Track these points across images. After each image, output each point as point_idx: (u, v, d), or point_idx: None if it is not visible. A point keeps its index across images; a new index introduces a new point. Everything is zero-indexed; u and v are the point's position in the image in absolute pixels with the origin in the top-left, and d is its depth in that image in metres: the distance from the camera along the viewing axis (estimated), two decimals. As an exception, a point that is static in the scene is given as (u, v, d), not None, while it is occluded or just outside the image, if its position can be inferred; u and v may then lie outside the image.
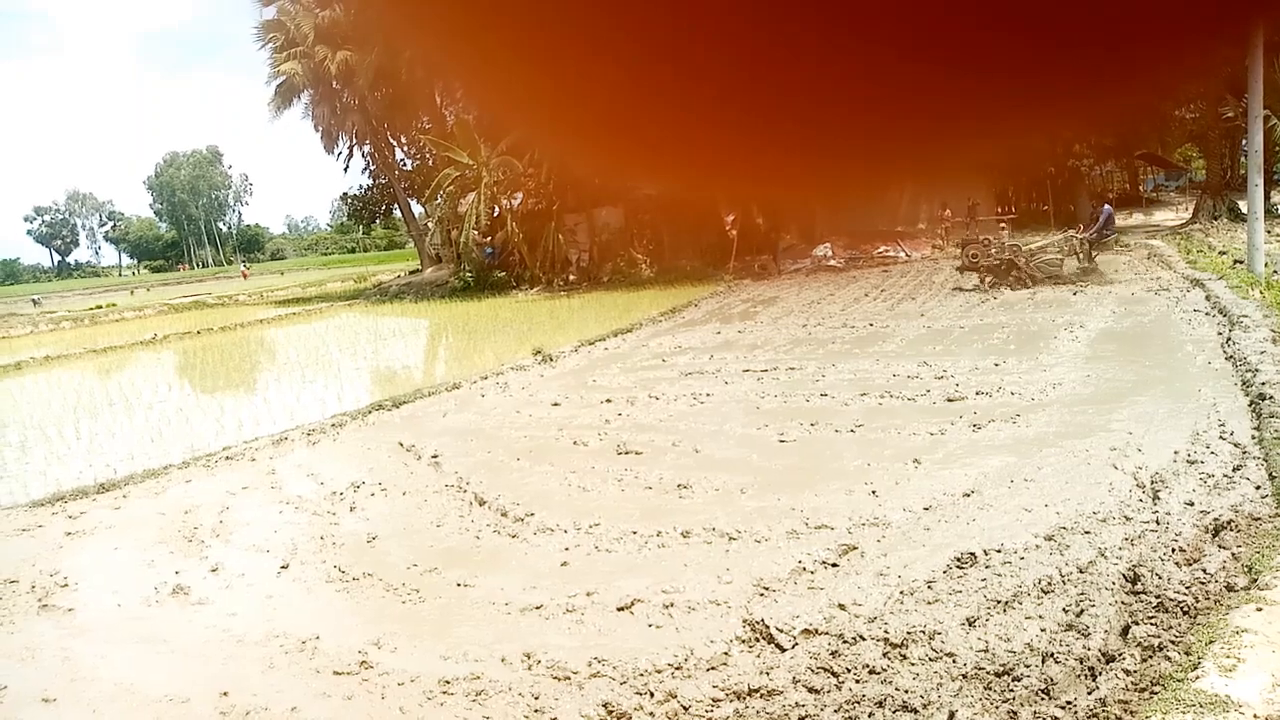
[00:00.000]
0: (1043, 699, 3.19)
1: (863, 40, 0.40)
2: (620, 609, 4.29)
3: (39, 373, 18.07)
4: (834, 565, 4.52)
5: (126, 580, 5.42)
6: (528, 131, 0.52)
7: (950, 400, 7.63)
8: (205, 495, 7.10)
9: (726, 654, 3.76)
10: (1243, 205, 17.39)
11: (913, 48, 0.40)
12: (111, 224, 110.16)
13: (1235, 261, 14.17)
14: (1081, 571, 4.09)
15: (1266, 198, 13.03)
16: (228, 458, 8.24)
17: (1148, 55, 0.40)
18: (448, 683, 3.77)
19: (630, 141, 0.48)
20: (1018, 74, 0.41)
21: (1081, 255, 15.10)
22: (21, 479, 8.52)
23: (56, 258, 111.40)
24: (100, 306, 36.97)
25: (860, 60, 0.41)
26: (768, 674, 3.57)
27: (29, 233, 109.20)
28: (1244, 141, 16.43)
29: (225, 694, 3.87)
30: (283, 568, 5.38)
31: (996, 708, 3.18)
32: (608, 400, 9.19)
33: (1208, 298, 11.20)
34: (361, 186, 42.35)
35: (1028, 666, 3.38)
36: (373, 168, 38.65)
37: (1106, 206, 15.54)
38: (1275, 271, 12.42)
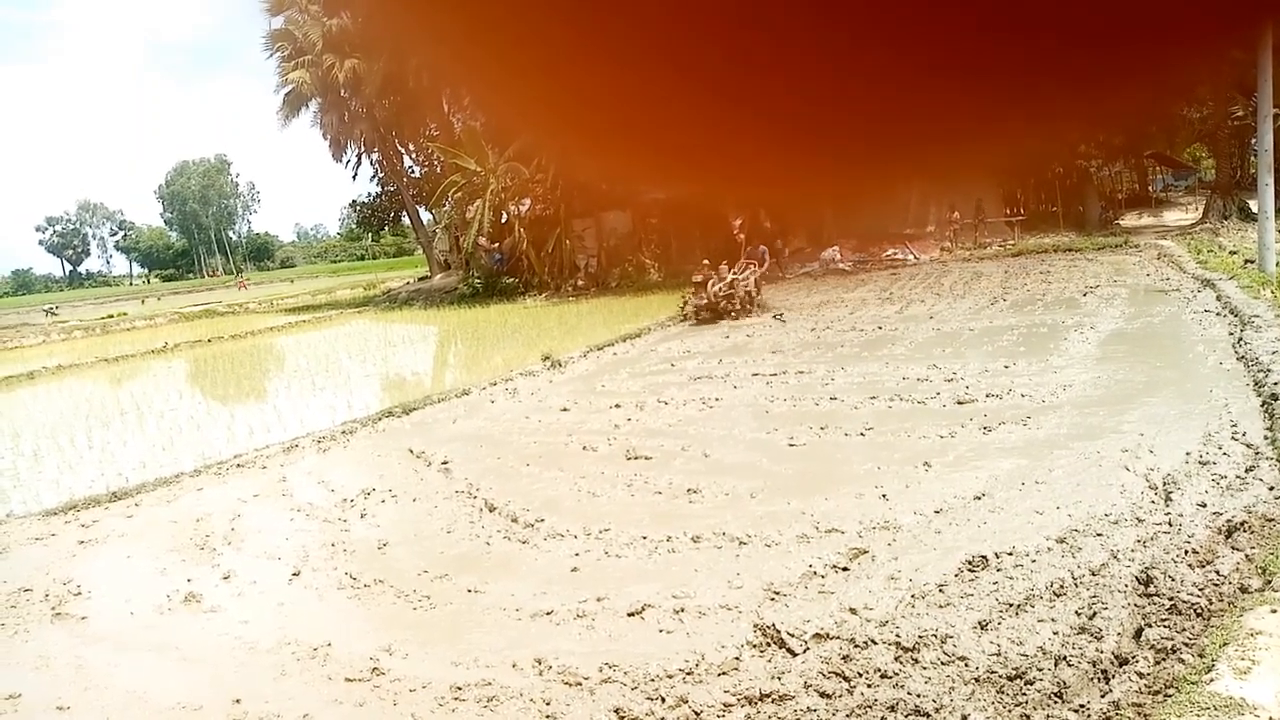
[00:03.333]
0: (1056, 702, 3.17)
1: (870, 43, 0.40)
2: (631, 614, 4.29)
3: (51, 382, 18.21)
4: (845, 569, 4.51)
5: (139, 588, 5.45)
6: (535, 137, 0.52)
7: (960, 403, 7.60)
8: (217, 503, 7.14)
9: (737, 659, 3.75)
10: (1253, 205, 17.28)
11: (921, 50, 0.40)
12: (122, 233, 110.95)
13: (1246, 261, 14.08)
14: (1094, 574, 4.07)
15: (1277, 197, 12.94)
16: (239, 465, 8.28)
17: (1157, 56, 0.40)
18: (459, 689, 3.77)
19: (638, 144, 0.48)
20: (1026, 75, 0.41)
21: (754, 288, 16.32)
22: (34, 488, 8.59)
23: (68, 267, 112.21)
24: (111, 315, 37.30)
25: (867, 63, 0.41)
26: (779, 679, 3.56)
27: (41, 243, 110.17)
28: (1253, 141, 16.39)
29: (237, 701, 3.89)
30: (294, 575, 5.40)
31: (1009, 711, 3.16)
32: (617, 405, 9.19)
33: (1219, 298, 11.12)
34: (370, 194, 42.68)
35: (1040, 670, 3.36)
36: (381, 175, 38.88)
37: (763, 247, 17.52)
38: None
